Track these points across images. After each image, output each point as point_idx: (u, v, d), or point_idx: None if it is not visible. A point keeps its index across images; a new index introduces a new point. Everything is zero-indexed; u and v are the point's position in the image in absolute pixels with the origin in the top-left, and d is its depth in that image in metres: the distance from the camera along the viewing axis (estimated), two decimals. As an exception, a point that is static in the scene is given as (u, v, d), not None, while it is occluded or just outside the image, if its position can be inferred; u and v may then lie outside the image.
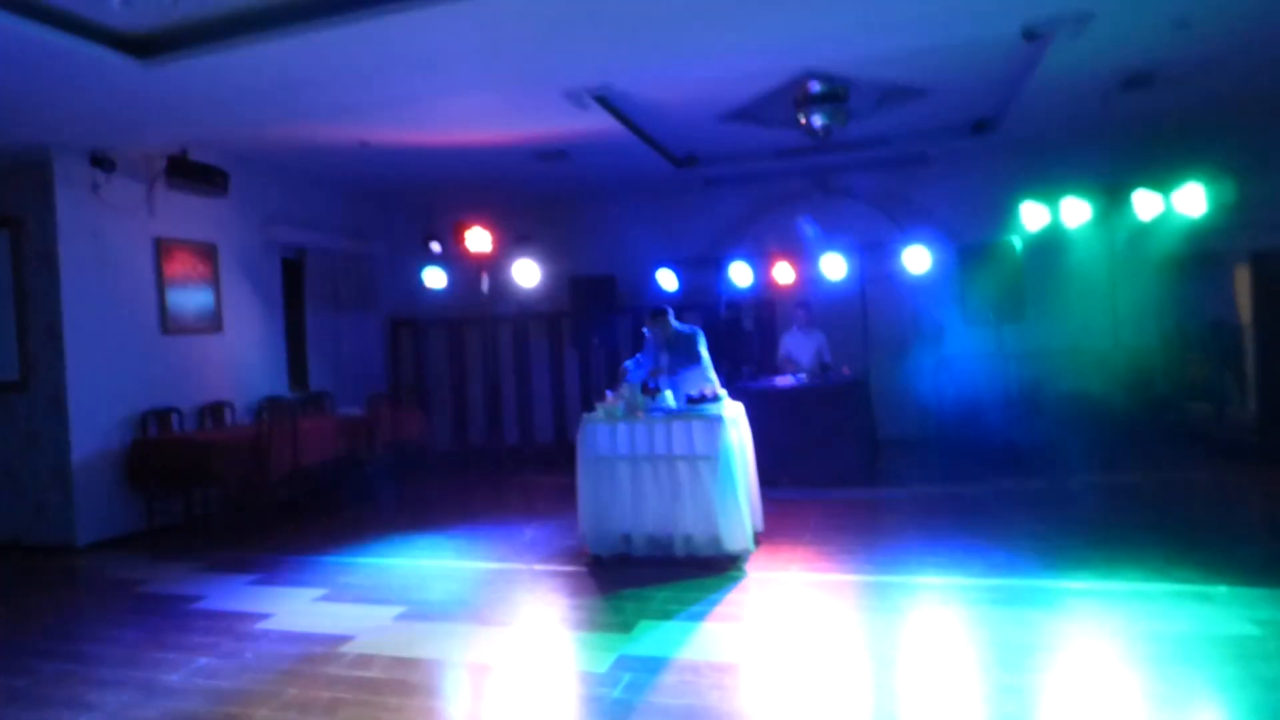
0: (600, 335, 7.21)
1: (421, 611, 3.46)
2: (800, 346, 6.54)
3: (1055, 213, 6.12)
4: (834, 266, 6.89)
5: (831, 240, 7.08)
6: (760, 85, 4.79)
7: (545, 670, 2.84)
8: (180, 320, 5.52)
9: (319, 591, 3.80)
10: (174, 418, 5.35)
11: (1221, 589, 3.14)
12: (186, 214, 5.66)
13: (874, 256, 7.09)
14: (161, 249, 5.40)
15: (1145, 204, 5.67)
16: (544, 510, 5.37)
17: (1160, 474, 5.18)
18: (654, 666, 2.79)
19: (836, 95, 4.73)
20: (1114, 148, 6.37)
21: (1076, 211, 6.06)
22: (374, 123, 5.11)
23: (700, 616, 3.28)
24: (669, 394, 4.49)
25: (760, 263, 7.27)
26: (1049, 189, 6.34)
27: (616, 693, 2.60)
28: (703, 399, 4.31)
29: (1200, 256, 6.02)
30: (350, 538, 4.83)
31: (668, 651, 2.93)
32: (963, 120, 6.00)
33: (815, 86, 4.73)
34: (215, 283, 5.88)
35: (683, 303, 6.77)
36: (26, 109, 3.92)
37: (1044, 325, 6.90)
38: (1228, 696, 2.37)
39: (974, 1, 3.42)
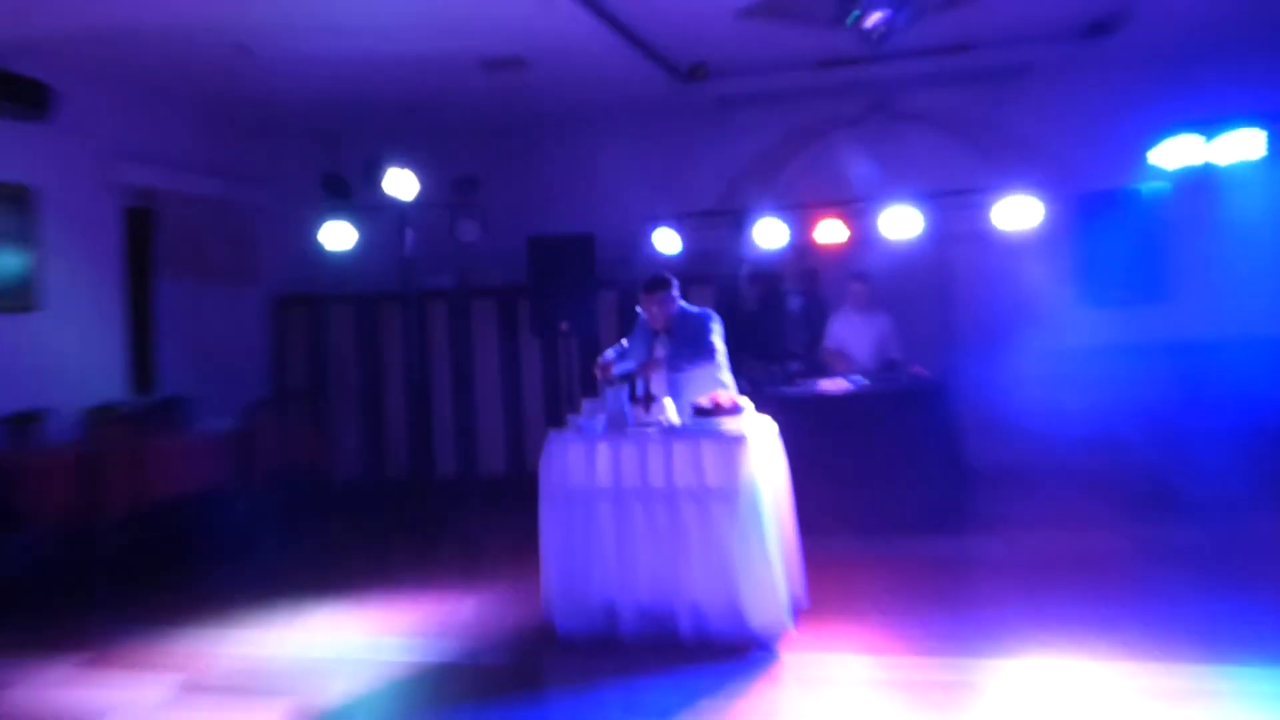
0: (573, 318, 7.13)
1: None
2: (856, 335, 6.59)
3: (1211, 148, 5.92)
4: (901, 222, 6.82)
5: (896, 185, 7.00)
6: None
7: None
8: (-30, 295, 5.57)
9: (172, 682, 3.77)
10: (-42, 432, 5.36)
11: None
12: (-13, 144, 5.71)
13: (956, 209, 7.03)
14: (-57, 193, 5.48)
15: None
16: (491, 569, 5.37)
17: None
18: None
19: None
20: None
21: (1240, 147, 5.83)
22: (258, 16, 5.02)
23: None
24: (669, 403, 4.50)
25: (797, 218, 7.27)
26: (1201, 116, 6.20)
27: None
28: (716, 410, 4.26)
29: None
30: (214, 607, 4.79)
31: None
32: (1075, 17, 5.75)
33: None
34: (30, 241, 5.72)
35: (688, 273, 6.83)
36: None
37: (1196, 306, 6.70)
38: None
39: None
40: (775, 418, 4.61)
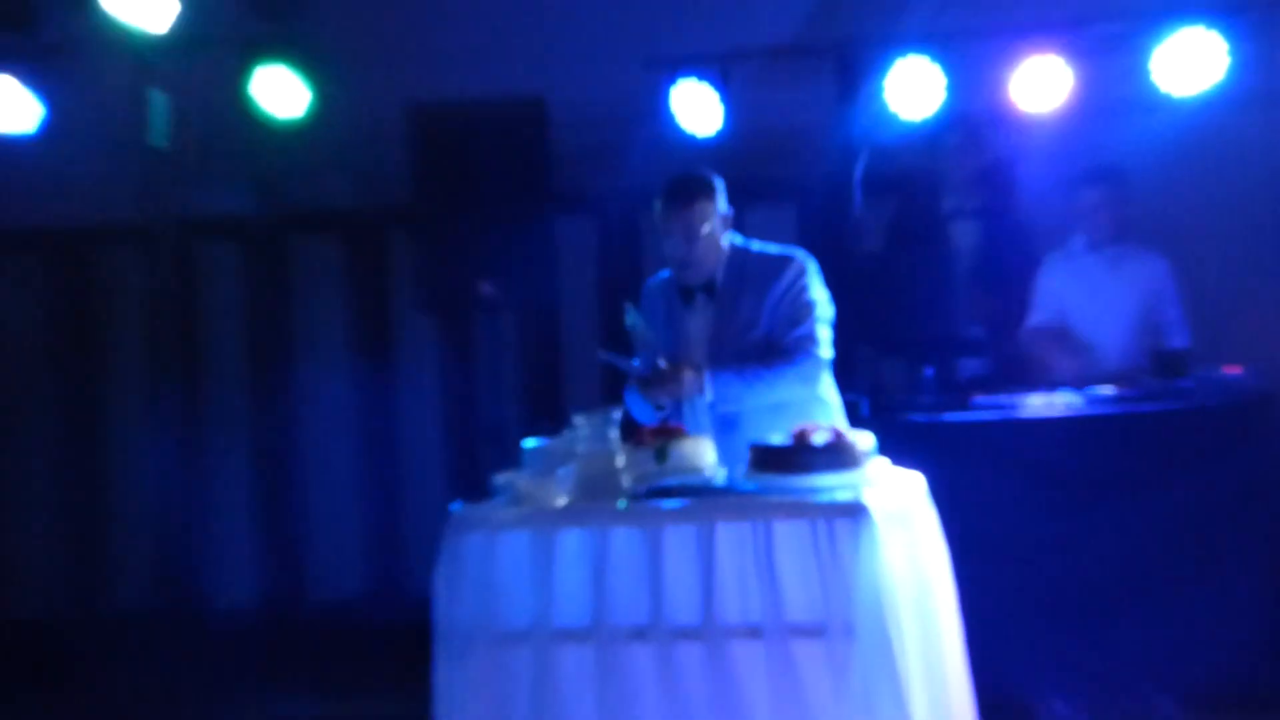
0: (504, 272, 7.31)
1: None
2: (1098, 299, 7.00)
3: None
4: (1192, 64, 7.01)
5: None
6: None
7: None
8: None
9: None
10: None
11: None
12: None
13: None
14: None
15: None
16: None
17: None
18: None
19: None
20: None
21: None
22: None
23: None
24: (705, 445, 4.51)
25: (967, 59, 7.35)
26: None
27: None
28: (802, 455, 4.29)
29: None
30: None
31: None
32: None
33: None
34: None
35: (742, 179, 6.91)
36: None
37: None
38: None
39: None
40: (927, 469, 4.71)
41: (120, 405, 8.78)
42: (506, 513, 4.31)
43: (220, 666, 7.67)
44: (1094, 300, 6.95)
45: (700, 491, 4.33)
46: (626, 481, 4.35)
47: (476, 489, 4.79)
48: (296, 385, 8.66)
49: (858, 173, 7.64)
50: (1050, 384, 6.59)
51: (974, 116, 7.66)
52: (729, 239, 4.96)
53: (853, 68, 7.54)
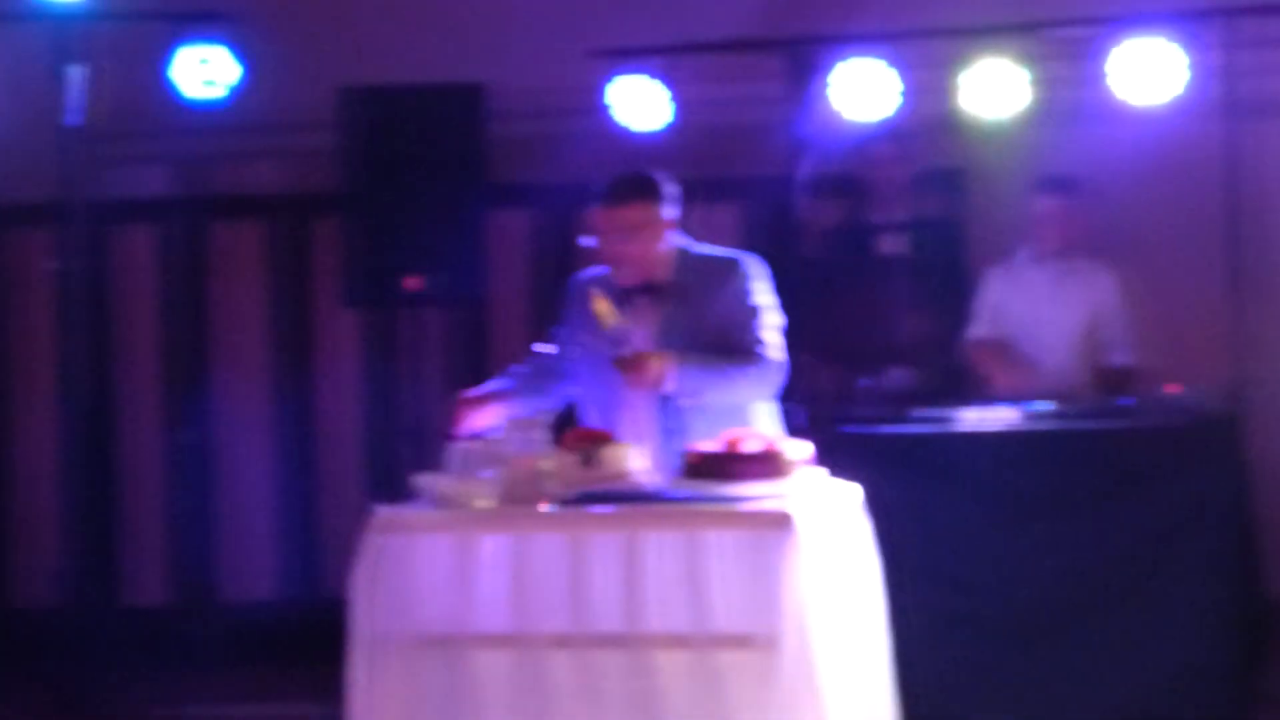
0: (436, 265, 7.30)
1: None
2: (1042, 311, 7.01)
3: None
4: (1145, 70, 7.09)
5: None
6: None
7: None
8: None
9: None
10: None
11: None
12: None
13: (1260, 38, 7.27)
14: None
15: None
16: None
17: None
18: None
19: None
20: None
21: None
22: None
23: None
24: (631, 453, 4.48)
25: (920, 59, 7.41)
26: None
27: None
28: (732, 462, 4.27)
29: None
30: None
31: None
32: None
33: None
34: None
35: (688, 179, 6.90)
36: None
37: None
38: None
39: None
40: (864, 481, 4.76)
41: (26, 393, 8.67)
42: (428, 515, 4.32)
43: (126, 668, 7.63)
44: (1037, 314, 6.98)
45: (628, 498, 4.32)
46: (552, 486, 4.34)
47: (397, 490, 4.79)
48: (212, 377, 8.59)
49: (801, 175, 7.65)
50: (989, 398, 6.60)
51: (904, 125, 7.66)
52: (673, 241, 4.93)
53: (802, 66, 7.50)
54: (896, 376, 7.25)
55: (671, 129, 7.68)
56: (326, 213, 7.95)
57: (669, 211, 4.87)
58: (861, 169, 7.86)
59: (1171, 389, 6.48)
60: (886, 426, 6.37)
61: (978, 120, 7.49)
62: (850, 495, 4.60)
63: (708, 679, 4.10)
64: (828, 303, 7.41)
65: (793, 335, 5.38)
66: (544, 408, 4.81)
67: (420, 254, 7.23)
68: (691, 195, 7.27)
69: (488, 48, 8.01)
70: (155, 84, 7.63)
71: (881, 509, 4.76)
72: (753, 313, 4.87)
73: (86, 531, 8.06)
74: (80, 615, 7.83)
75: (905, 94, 7.38)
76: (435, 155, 7.30)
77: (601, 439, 4.53)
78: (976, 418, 6.35)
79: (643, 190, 4.86)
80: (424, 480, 4.45)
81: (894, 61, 7.37)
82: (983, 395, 6.70)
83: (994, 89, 7.34)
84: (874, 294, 7.53)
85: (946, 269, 7.63)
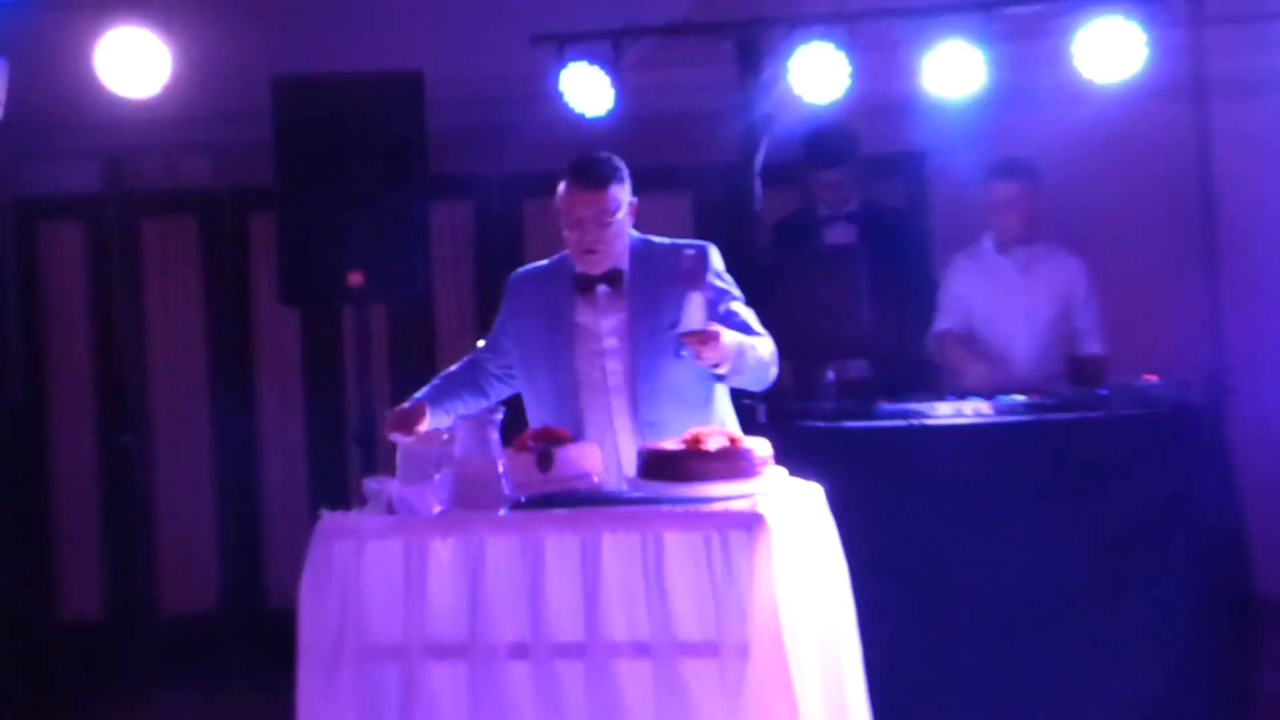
0: (376, 261, 7.27)
1: None
2: (1007, 302, 7.13)
3: None
4: (1106, 46, 7.09)
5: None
6: None
7: None
8: None
9: None
10: None
11: None
12: None
13: (1239, 21, 7.42)
14: None
15: None
16: None
17: None
18: None
19: None
20: None
21: None
22: None
23: None
24: (591, 451, 4.57)
25: (873, 41, 7.42)
26: None
27: None
28: (694, 460, 4.25)
29: None
30: None
31: None
32: None
33: None
34: None
35: (635, 169, 6.91)
36: None
37: None
38: None
39: None
40: (826, 480, 4.76)
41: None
42: (377, 520, 4.30)
43: (64, 681, 7.58)
44: (1004, 304, 7.06)
45: (586, 500, 4.34)
46: (507, 489, 4.34)
47: (344, 494, 4.79)
48: (147, 379, 8.58)
49: (758, 163, 7.63)
50: (958, 392, 6.66)
51: (873, 109, 7.73)
52: (630, 228, 4.98)
53: (755, 48, 7.48)
54: (856, 369, 7.27)
55: (618, 116, 7.63)
56: (263, 207, 7.92)
57: (628, 193, 4.92)
58: (827, 155, 7.81)
59: (1148, 378, 6.52)
60: (850, 422, 6.40)
61: (934, 102, 7.52)
62: (813, 494, 4.62)
63: (673, 689, 4.09)
64: (781, 294, 7.38)
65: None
66: (478, 410, 4.87)
67: (361, 249, 7.19)
68: (643, 185, 7.30)
69: (427, 35, 8.04)
70: (82, 75, 7.56)
71: (846, 508, 4.76)
72: (736, 300, 4.97)
73: (18, 542, 8.02)
74: (13, 629, 7.79)
75: (858, 76, 7.34)
76: (374, 146, 7.26)
77: (558, 438, 4.57)
78: (946, 411, 6.41)
79: (618, 173, 4.89)
80: (372, 483, 4.46)
81: (846, 43, 7.30)
82: (951, 388, 6.72)
83: (951, 70, 7.33)
84: (827, 285, 7.51)
85: (902, 258, 7.62)
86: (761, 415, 6.35)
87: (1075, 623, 6.17)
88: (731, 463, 4.36)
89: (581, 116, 7.59)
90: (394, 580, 4.21)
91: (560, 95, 7.56)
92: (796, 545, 4.26)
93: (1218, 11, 7.15)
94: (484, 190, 8.13)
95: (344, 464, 7.80)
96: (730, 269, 5.07)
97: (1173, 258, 7.80)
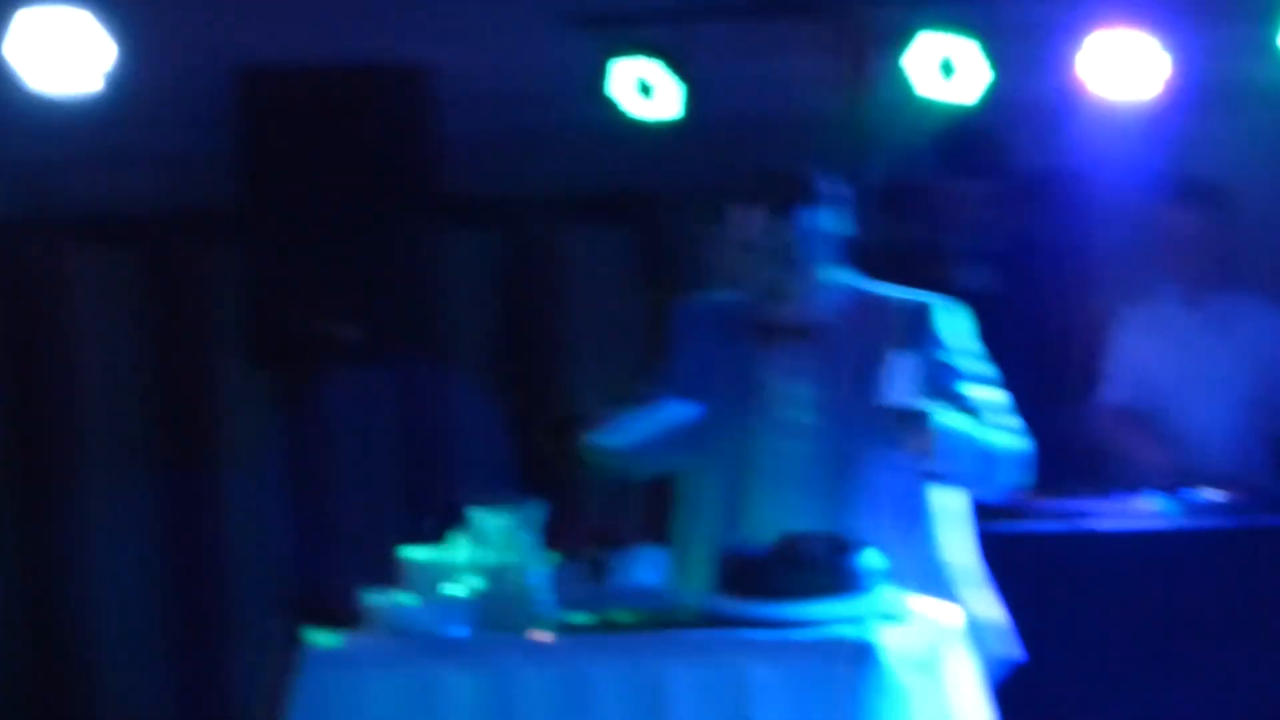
0: (373, 308, 7.41)
1: None
2: (1194, 369, 7.11)
3: None
4: None
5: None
6: None
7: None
8: None
9: None
10: None
11: None
12: None
13: None
14: None
15: None
16: None
17: None
18: None
19: None
20: None
21: None
22: None
23: None
24: (657, 557, 4.59)
25: (1008, 30, 7.48)
26: None
27: None
28: (796, 574, 4.27)
29: None
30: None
31: None
32: None
33: None
34: None
35: (712, 188, 6.90)
36: None
37: None
38: None
39: None
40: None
41: None
42: (377, 645, 4.34)
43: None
44: (1192, 372, 7.01)
45: (648, 621, 4.35)
46: (547, 605, 4.37)
47: (335, 611, 4.80)
48: (77, 459, 8.63)
49: (868, 187, 7.60)
50: (1131, 485, 6.60)
51: (986, 131, 7.75)
52: (838, 269, 4.91)
53: (862, 34, 7.60)
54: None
55: (688, 122, 7.71)
56: (226, 237, 7.94)
57: (839, 224, 4.85)
58: (941, 181, 7.85)
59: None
60: (999, 524, 6.30)
61: (1097, 106, 7.55)
62: (950, 617, 4.61)
63: None
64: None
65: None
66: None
67: (352, 292, 7.23)
68: (714, 211, 7.38)
69: (436, 18, 8.01)
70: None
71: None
72: (975, 380, 4.91)
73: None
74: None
75: (998, 71, 7.40)
76: (370, 159, 7.35)
77: (614, 539, 4.53)
78: (1120, 512, 6.35)
79: (815, 191, 4.80)
80: (372, 598, 4.46)
81: (981, 29, 7.38)
82: (1122, 481, 6.66)
83: (1119, 63, 7.38)
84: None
85: (1048, 308, 7.59)
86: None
87: None
88: (837, 574, 4.37)
89: (637, 122, 7.64)
90: (398, 721, 4.26)
91: (608, 94, 7.62)
92: (922, 682, 4.27)
93: None
94: (514, 216, 8.15)
95: (333, 570, 7.83)
96: None
97: None
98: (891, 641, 4.15)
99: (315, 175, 7.24)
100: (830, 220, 4.82)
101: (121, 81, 7.68)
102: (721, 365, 4.91)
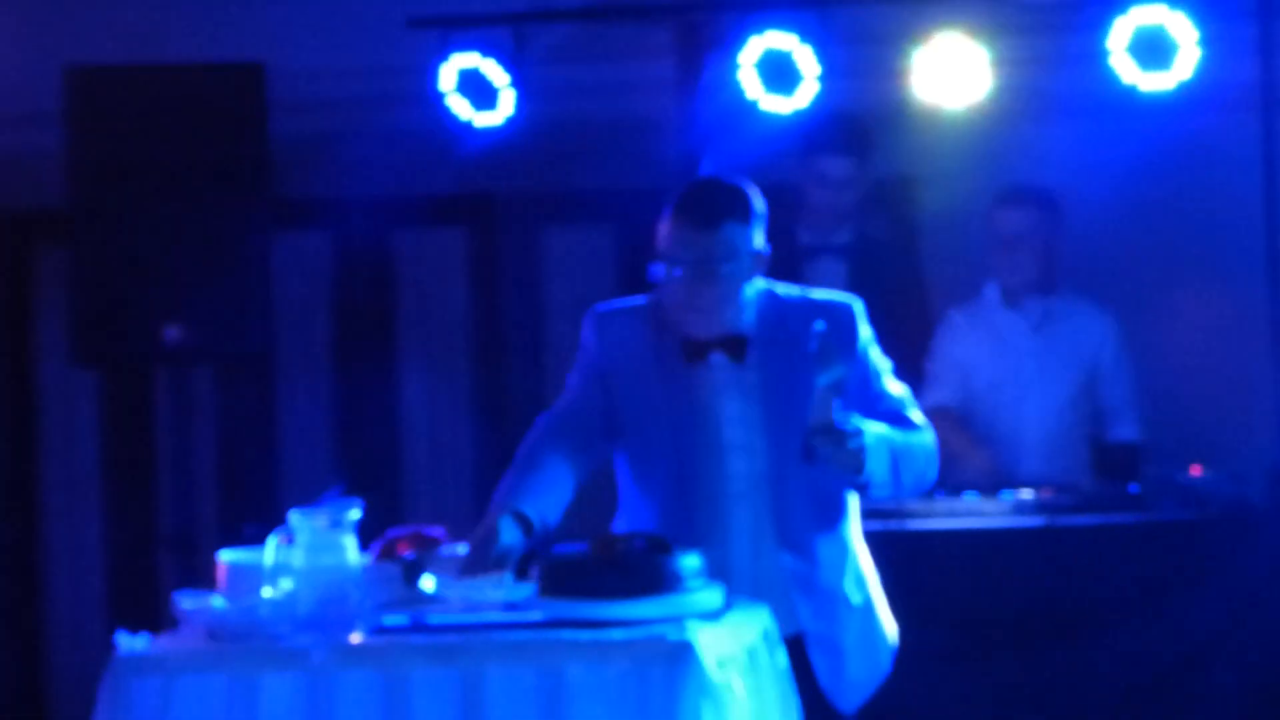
0: (200, 309, 7.29)
1: None
2: (1015, 370, 7.23)
3: None
4: (1150, 46, 7.14)
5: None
6: None
7: None
8: None
9: None
10: None
11: None
12: None
13: None
14: None
15: None
16: None
17: None
18: None
19: None
20: None
21: None
22: None
23: None
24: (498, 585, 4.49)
25: (844, 35, 7.49)
26: None
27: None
28: (613, 574, 4.31)
29: None
30: None
31: None
32: None
33: None
34: None
35: (541, 193, 6.81)
36: None
37: None
38: None
39: None
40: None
41: None
42: (193, 649, 4.30)
43: None
44: (1012, 373, 7.12)
45: (467, 624, 4.36)
46: (365, 608, 4.33)
47: (152, 615, 4.76)
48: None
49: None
50: (951, 486, 6.59)
51: (855, 116, 7.77)
52: (758, 280, 4.88)
53: (698, 39, 7.57)
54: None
55: (521, 125, 7.65)
56: (51, 236, 7.86)
57: (761, 239, 4.82)
58: (800, 178, 7.84)
59: (1193, 471, 6.55)
60: None
61: (927, 114, 7.60)
62: (761, 619, 4.61)
63: None
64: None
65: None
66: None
67: (181, 293, 7.18)
68: (551, 213, 7.39)
69: (271, 17, 7.99)
70: None
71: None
72: (887, 376, 5.00)
73: None
74: None
75: (831, 78, 7.42)
76: (200, 159, 7.28)
77: (432, 543, 4.53)
78: (942, 512, 6.41)
79: (738, 207, 4.77)
80: (189, 601, 4.44)
81: (815, 36, 7.39)
82: (943, 482, 6.71)
83: (948, 72, 7.41)
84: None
85: (900, 314, 7.61)
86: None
87: None
88: (653, 575, 4.38)
89: (471, 126, 7.60)
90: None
91: (442, 96, 7.58)
92: (738, 681, 4.29)
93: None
94: (344, 217, 8.11)
95: (153, 575, 7.76)
96: None
97: (1229, 316, 7.89)
98: (708, 641, 4.15)
99: (143, 174, 7.15)
100: (754, 233, 4.82)
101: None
102: (650, 384, 4.89)
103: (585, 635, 4.22)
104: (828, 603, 4.90)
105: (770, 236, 7.62)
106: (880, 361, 5.05)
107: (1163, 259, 7.91)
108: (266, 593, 4.40)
